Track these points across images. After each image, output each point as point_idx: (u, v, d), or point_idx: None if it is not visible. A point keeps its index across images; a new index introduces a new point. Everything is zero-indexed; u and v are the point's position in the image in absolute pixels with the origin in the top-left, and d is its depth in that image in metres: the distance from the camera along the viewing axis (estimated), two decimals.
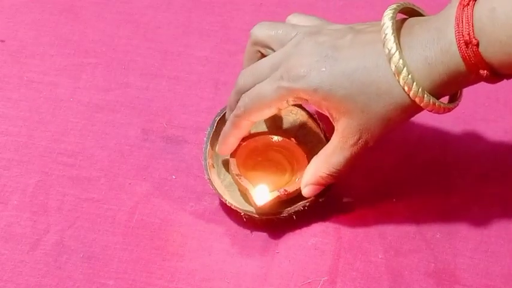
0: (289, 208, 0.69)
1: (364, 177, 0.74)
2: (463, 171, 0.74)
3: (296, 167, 0.71)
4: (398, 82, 0.61)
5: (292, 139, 0.72)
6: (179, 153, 0.75)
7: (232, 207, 0.69)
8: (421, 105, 0.61)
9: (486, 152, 0.75)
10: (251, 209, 0.70)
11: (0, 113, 0.77)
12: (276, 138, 0.72)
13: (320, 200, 0.70)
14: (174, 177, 0.74)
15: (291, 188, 0.69)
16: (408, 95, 0.61)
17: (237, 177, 0.70)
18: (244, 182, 0.69)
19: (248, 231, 0.71)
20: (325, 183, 0.69)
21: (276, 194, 0.68)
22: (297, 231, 0.71)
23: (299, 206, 0.69)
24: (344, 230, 0.71)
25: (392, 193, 0.73)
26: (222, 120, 0.72)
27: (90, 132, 0.76)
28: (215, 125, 0.72)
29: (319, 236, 0.71)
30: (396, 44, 0.61)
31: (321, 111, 0.66)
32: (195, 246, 0.70)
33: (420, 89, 0.61)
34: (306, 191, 0.69)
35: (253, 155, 0.72)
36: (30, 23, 0.84)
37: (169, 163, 0.75)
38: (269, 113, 0.68)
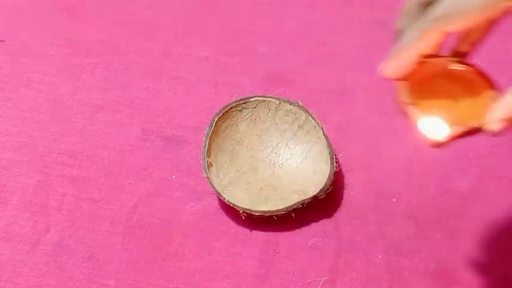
0: (288, 205, 0.69)
1: (364, 178, 0.74)
2: (462, 171, 0.74)
3: (477, 101, 0.60)
4: None
5: (475, 67, 0.61)
6: (179, 153, 0.75)
7: (231, 205, 0.69)
8: None
9: (485, 152, 0.75)
10: (249, 206, 0.70)
11: (0, 112, 0.78)
12: (455, 65, 0.62)
13: (320, 197, 0.70)
14: (174, 177, 0.74)
15: (477, 123, 0.57)
16: None
17: (406, 106, 0.60)
18: (415, 113, 0.60)
19: (248, 231, 0.71)
20: None
21: (458, 128, 0.58)
22: (297, 231, 0.71)
23: (298, 203, 0.69)
24: (344, 230, 0.71)
25: (392, 193, 0.73)
26: (221, 120, 0.73)
27: (90, 132, 0.76)
28: (214, 124, 0.72)
29: (319, 235, 0.71)
30: None
31: None
32: (195, 246, 0.70)
33: None
34: (496, 127, 0.57)
35: (426, 82, 0.62)
36: (30, 23, 0.84)
37: (169, 163, 0.74)
38: (470, 23, 0.56)
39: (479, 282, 0.68)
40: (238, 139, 0.74)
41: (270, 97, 0.73)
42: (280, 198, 0.71)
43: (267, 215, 0.69)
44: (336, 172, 0.71)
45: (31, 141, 0.76)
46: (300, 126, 0.73)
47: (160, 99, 0.78)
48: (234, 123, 0.74)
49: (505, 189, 0.72)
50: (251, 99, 0.74)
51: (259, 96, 0.73)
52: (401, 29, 0.59)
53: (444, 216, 0.71)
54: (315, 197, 0.70)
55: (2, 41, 0.82)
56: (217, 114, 0.73)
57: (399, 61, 0.59)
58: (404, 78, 0.60)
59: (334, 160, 0.71)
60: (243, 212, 0.69)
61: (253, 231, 0.71)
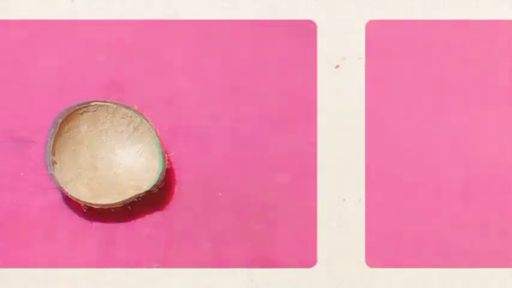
0: (124, 199, 0.75)
1: (193, 175, 0.80)
2: (282, 169, 0.79)
3: None
4: None
5: None
6: (26, 153, 0.79)
7: (73, 199, 0.75)
8: None
9: (302, 152, 0.80)
10: (90, 200, 0.75)
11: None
12: None
13: (153, 192, 0.76)
14: (22, 174, 0.79)
15: None
16: None
17: None
18: None
19: (89, 223, 0.77)
20: None
21: None
22: (133, 223, 0.77)
23: (133, 197, 0.75)
24: (174, 222, 0.78)
25: (218, 189, 0.79)
26: (64, 122, 0.77)
27: None
28: (57, 126, 0.77)
29: (152, 226, 0.77)
30: None
31: None
32: (41, 235, 0.77)
33: None
34: None
35: None
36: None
37: (18, 161, 0.79)
38: None
39: (297, 266, 0.76)
40: (79, 139, 0.79)
41: (109, 102, 0.78)
42: (118, 193, 0.76)
43: (106, 207, 0.75)
44: (167, 169, 0.77)
45: None
46: (135, 128, 0.79)
47: (8, 105, 0.81)
48: (76, 125, 0.78)
49: (313, 186, 0.78)
50: (91, 104, 0.78)
51: (98, 101, 0.78)
52: None
53: (264, 209, 0.78)
54: (148, 192, 0.76)
55: None
56: (60, 116, 0.77)
57: None
58: None
59: (166, 159, 0.77)
60: (84, 205, 0.75)
61: (93, 223, 0.77)
